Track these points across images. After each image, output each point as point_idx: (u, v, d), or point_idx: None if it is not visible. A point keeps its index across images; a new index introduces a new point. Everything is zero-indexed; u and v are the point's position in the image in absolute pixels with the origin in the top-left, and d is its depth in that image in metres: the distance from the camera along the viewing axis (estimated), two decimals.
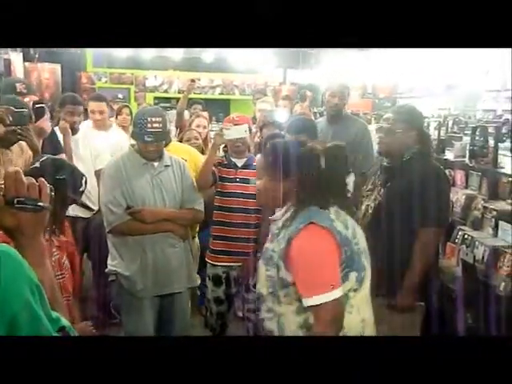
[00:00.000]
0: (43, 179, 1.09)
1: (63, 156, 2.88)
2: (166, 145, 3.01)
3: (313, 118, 4.46)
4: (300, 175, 1.60)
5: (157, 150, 2.48)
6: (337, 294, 1.52)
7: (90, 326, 1.95)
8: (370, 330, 1.64)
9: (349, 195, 1.70)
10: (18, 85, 2.92)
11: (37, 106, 2.62)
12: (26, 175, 1.06)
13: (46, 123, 2.65)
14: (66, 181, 1.85)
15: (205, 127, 3.84)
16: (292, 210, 1.61)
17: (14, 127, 2.18)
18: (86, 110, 4.28)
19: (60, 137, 3.14)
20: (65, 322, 1.02)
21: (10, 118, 2.13)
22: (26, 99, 2.66)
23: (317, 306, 1.52)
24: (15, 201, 1.02)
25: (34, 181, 1.05)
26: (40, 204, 1.05)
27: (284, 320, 1.61)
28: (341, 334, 1.55)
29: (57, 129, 3.37)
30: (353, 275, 1.57)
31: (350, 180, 1.73)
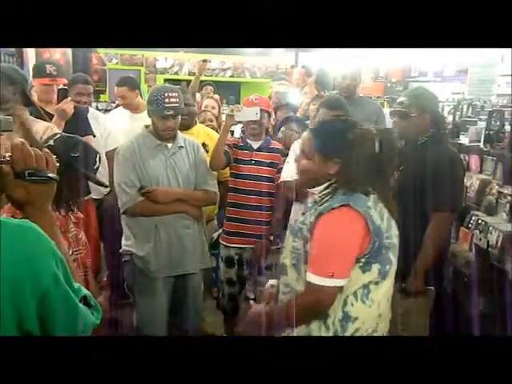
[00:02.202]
0: (47, 150, 1.09)
1: (91, 138, 2.91)
2: (190, 128, 3.03)
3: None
4: (349, 158, 1.53)
5: (174, 127, 2.48)
6: (332, 283, 1.49)
7: (106, 301, 1.98)
8: (383, 325, 1.61)
9: (391, 184, 1.66)
10: (48, 66, 2.92)
11: (59, 88, 2.66)
12: None
13: (67, 105, 2.67)
14: (79, 158, 1.86)
15: (214, 108, 3.82)
16: (331, 188, 1.57)
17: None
18: (95, 90, 4.27)
19: (90, 117, 3.16)
20: (84, 290, 1.04)
21: None
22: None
23: (309, 283, 1.50)
24: (26, 173, 1.01)
25: (40, 152, 1.05)
26: (49, 175, 1.05)
27: None
28: (355, 326, 1.53)
29: (92, 111, 3.41)
30: (375, 267, 1.53)
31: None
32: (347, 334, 1.54)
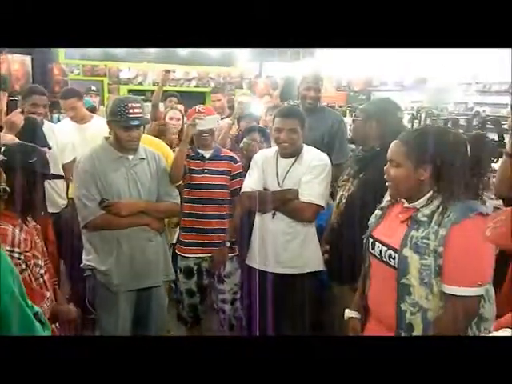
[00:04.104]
0: None
1: (46, 150, 2.83)
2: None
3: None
4: (447, 163, 1.56)
5: (138, 137, 2.46)
6: (480, 291, 1.53)
7: (74, 309, 2.04)
8: None
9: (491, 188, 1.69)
10: None
11: (10, 99, 2.58)
12: None
13: (17, 117, 2.59)
14: (36, 162, 1.90)
15: (178, 119, 3.81)
16: (442, 199, 1.58)
17: None
18: (57, 101, 4.17)
19: (46, 129, 3.07)
20: (36, 308, 1.05)
21: None
22: None
23: (457, 296, 1.52)
24: (1, 189, 1.02)
25: None
26: (7, 189, 1.05)
27: (431, 315, 1.58)
28: (485, 325, 1.56)
29: (47, 123, 3.32)
30: None
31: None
32: (481, 334, 1.57)
